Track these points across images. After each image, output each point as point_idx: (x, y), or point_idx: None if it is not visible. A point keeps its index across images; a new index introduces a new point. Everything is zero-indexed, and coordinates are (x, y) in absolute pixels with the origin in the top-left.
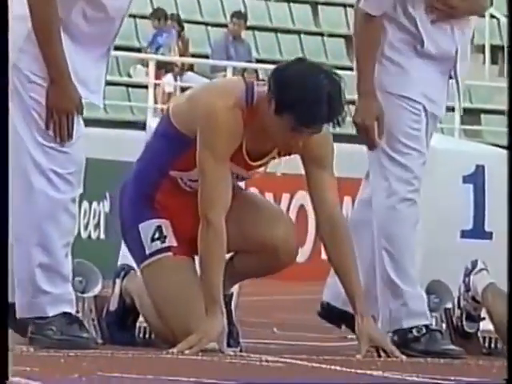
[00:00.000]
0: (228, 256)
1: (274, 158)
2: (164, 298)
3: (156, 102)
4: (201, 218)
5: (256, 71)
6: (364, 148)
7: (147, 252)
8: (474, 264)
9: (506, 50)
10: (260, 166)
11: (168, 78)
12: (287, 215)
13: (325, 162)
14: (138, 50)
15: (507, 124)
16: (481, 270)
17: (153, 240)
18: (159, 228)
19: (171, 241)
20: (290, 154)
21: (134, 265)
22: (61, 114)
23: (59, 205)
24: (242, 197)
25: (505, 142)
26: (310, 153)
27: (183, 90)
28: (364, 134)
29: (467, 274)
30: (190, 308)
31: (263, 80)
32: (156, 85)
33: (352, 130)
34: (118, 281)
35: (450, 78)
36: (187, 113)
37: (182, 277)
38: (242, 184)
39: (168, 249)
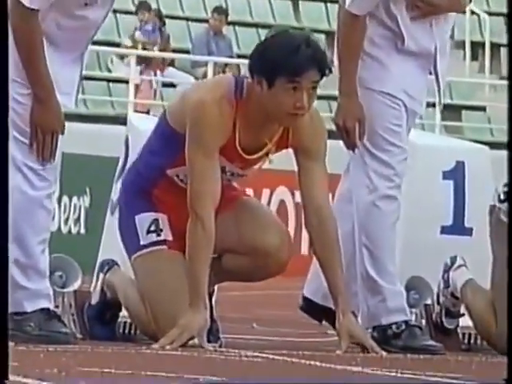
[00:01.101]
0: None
1: (269, 152)
2: (153, 288)
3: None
4: (189, 211)
5: (238, 66)
6: (341, 143)
7: (142, 243)
8: (453, 260)
9: (487, 46)
10: (256, 160)
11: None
12: (285, 227)
13: (316, 154)
14: (119, 45)
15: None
16: (460, 266)
17: (148, 232)
18: (156, 221)
19: (167, 234)
20: (286, 147)
21: (117, 259)
22: (46, 132)
23: (34, 201)
24: (243, 198)
25: (484, 138)
26: (302, 144)
27: (164, 85)
28: (344, 135)
29: (446, 270)
30: (177, 300)
31: None
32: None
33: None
34: (101, 275)
35: (430, 74)
36: (180, 111)
37: (173, 270)
38: (235, 183)
39: (163, 242)
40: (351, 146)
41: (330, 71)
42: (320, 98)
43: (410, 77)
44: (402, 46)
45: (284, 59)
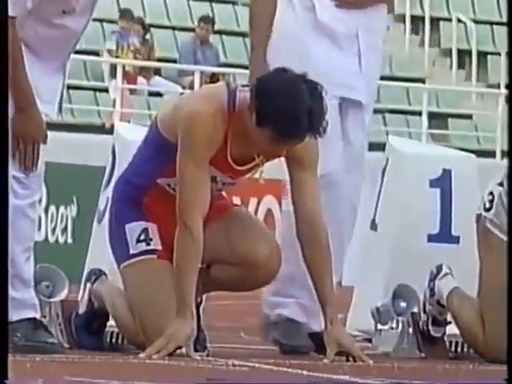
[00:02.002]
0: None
1: (261, 162)
2: (142, 297)
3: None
4: (178, 221)
5: (225, 76)
6: None
7: (131, 252)
8: (439, 269)
9: (474, 54)
10: (247, 170)
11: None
12: (274, 237)
13: (307, 163)
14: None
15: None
16: (446, 274)
17: (138, 241)
18: (145, 230)
19: (156, 244)
20: (279, 156)
21: (104, 269)
22: (27, 142)
23: (17, 211)
24: (232, 208)
25: (471, 146)
26: (294, 155)
27: (150, 94)
28: None
29: (432, 278)
30: (165, 310)
31: (246, 85)
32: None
33: None
34: (88, 284)
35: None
36: (172, 120)
37: (162, 280)
38: (223, 193)
39: (152, 251)
40: None
41: (320, 136)
42: None
43: (331, 64)
44: (317, 21)
45: (279, 122)
